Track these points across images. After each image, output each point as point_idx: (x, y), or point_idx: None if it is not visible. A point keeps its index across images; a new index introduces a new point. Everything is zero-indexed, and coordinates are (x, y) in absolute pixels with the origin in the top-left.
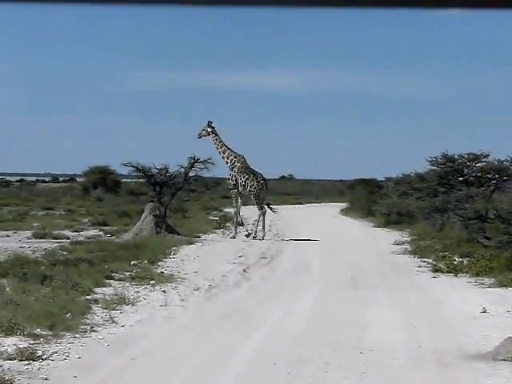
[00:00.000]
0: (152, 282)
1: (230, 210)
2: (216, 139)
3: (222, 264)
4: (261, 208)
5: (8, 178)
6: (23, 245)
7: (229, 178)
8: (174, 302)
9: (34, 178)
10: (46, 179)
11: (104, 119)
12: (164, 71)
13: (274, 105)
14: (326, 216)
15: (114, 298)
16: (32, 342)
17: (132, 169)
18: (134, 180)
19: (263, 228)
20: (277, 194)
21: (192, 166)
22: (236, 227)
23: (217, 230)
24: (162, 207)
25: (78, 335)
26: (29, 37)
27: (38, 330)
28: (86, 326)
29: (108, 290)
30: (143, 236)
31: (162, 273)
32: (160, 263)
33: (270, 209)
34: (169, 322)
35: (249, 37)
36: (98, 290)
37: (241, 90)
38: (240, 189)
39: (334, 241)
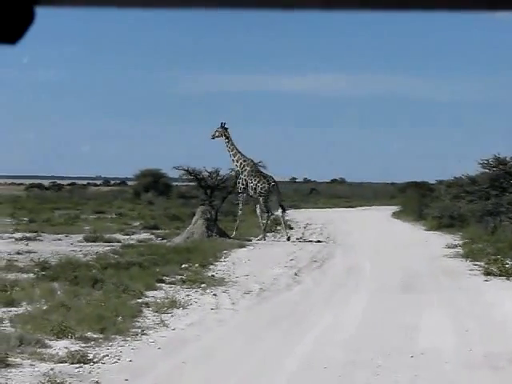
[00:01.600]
0: (203, 285)
1: (279, 213)
2: (228, 141)
3: (273, 267)
4: (267, 211)
5: (59, 182)
6: (74, 248)
7: (239, 182)
8: (224, 306)
9: (85, 182)
10: (98, 182)
11: (154, 123)
12: (214, 74)
13: (326, 108)
14: (378, 219)
15: (165, 301)
16: (83, 345)
17: (183, 172)
18: (184, 183)
19: (284, 228)
20: (328, 196)
21: (243, 168)
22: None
23: (267, 234)
24: (212, 210)
25: (128, 338)
26: (77, 44)
27: (89, 333)
28: (136, 330)
29: (159, 294)
30: (194, 239)
31: (213, 276)
32: (211, 267)
33: (283, 210)
34: (220, 325)
35: (302, 41)
36: (149, 293)
37: (289, 94)
38: (251, 192)
39: (386, 244)
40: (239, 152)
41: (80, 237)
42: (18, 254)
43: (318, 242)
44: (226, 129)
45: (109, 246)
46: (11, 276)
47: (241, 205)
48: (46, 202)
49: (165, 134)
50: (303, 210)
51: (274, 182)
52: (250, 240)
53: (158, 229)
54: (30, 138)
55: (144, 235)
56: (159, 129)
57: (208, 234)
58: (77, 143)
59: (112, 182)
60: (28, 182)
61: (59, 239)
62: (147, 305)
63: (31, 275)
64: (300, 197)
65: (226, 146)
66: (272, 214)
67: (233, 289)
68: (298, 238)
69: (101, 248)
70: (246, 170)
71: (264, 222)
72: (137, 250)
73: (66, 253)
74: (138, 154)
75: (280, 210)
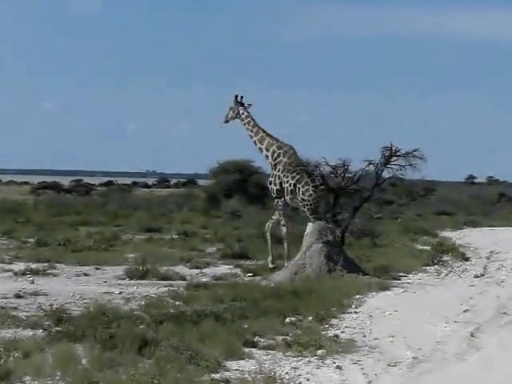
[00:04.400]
0: (320, 351)
1: (447, 235)
2: (248, 122)
3: (436, 323)
4: (316, 219)
5: (87, 180)
6: (110, 289)
7: (271, 182)
8: None
9: (128, 180)
10: (150, 181)
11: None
12: None
13: None
14: None
15: (258, 377)
16: None
17: None
18: None
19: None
20: None
21: (387, 161)
22: (286, 258)
23: (428, 268)
24: (337, 228)
25: None
26: None
27: None
28: None
29: (248, 365)
30: (306, 276)
31: (337, 337)
32: (333, 321)
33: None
34: None
35: None
36: (231, 363)
37: None
38: (287, 198)
39: None
40: (268, 135)
41: (120, 270)
42: (19, 297)
43: None
44: (242, 104)
45: (166, 285)
46: (7, 333)
47: (281, 217)
48: (65, 211)
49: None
50: (487, 228)
51: (324, 182)
52: (399, 278)
53: (246, 258)
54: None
55: (224, 268)
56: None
57: (329, 268)
58: (117, 117)
59: (172, 180)
60: (37, 179)
61: (85, 273)
62: (228, 383)
63: (39, 332)
64: (481, 207)
65: (245, 129)
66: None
67: (369, 358)
68: (477, 276)
69: (153, 289)
70: (280, 161)
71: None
72: (212, 294)
73: (97, 296)
74: (217, 138)
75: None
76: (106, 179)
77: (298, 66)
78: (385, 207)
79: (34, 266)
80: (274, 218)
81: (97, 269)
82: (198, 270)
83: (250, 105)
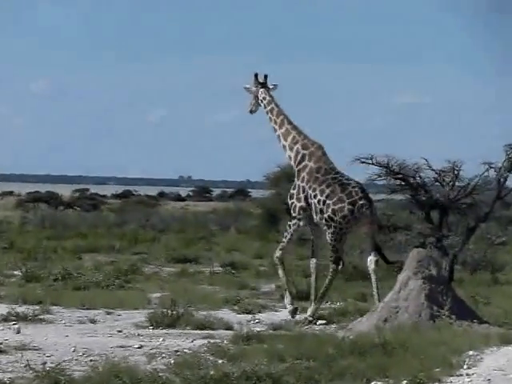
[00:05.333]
0: None
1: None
2: (271, 110)
3: None
4: (338, 258)
5: (97, 190)
6: (127, 342)
7: (292, 195)
8: None
9: (153, 190)
10: (183, 192)
11: None
12: None
13: None
14: None
15: None
16: None
17: (375, 169)
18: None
19: (376, 296)
20: None
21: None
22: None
23: None
24: (443, 258)
25: None
26: None
27: None
28: None
29: None
30: (400, 324)
31: None
32: None
33: (388, 262)
34: None
35: None
36: None
37: None
38: (313, 215)
39: None
40: (295, 127)
41: (140, 315)
42: None
43: None
44: (264, 84)
45: (205, 336)
46: None
47: (287, 243)
48: (65, 233)
49: None
50: None
51: (364, 195)
52: None
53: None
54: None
55: (286, 314)
56: None
57: (432, 313)
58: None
59: (215, 190)
60: (26, 188)
61: (92, 320)
62: None
63: None
64: None
65: (268, 119)
66: (343, 266)
67: None
68: None
69: (187, 341)
70: (306, 166)
71: (324, 287)
72: (269, 349)
73: (107, 351)
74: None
75: (372, 258)
76: (121, 189)
77: None
78: (510, 229)
79: (20, 309)
80: (284, 243)
81: (108, 313)
82: (249, 316)
83: (275, 85)
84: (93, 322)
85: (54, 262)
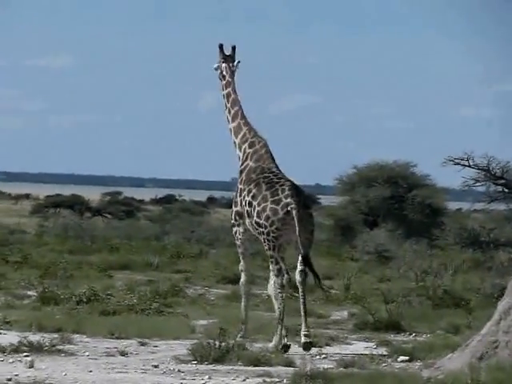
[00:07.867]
0: None
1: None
2: (228, 94)
3: None
4: (279, 270)
5: (132, 194)
6: (164, 379)
7: (235, 202)
8: None
9: (199, 195)
10: (228, 196)
11: None
12: None
13: None
14: None
15: None
16: None
17: (474, 173)
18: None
19: (304, 320)
20: None
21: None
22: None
23: None
24: None
25: None
26: None
27: None
28: None
29: None
30: (499, 361)
31: None
32: None
33: (317, 280)
34: None
35: None
36: None
37: None
38: (246, 222)
39: None
40: (247, 123)
41: (181, 347)
42: None
43: None
44: (228, 58)
45: (260, 374)
46: None
47: (241, 258)
48: (92, 246)
49: None
50: None
51: (298, 195)
52: None
53: (399, 330)
54: None
55: (360, 347)
56: None
57: None
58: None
59: None
60: (45, 190)
61: (122, 352)
62: None
63: None
64: None
65: (224, 104)
66: (288, 277)
67: None
68: None
69: (238, 380)
70: (246, 167)
71: (279, 302)
72: None
73: None
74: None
75: (298, 267)
76: (161, 192)
77: None
78: None
79: (34, 337)
80: (241, 262)
81: (142, 344)
82: (315, 350)
83: (238, 62)
84: (123, 354)
85: (77, 281)
